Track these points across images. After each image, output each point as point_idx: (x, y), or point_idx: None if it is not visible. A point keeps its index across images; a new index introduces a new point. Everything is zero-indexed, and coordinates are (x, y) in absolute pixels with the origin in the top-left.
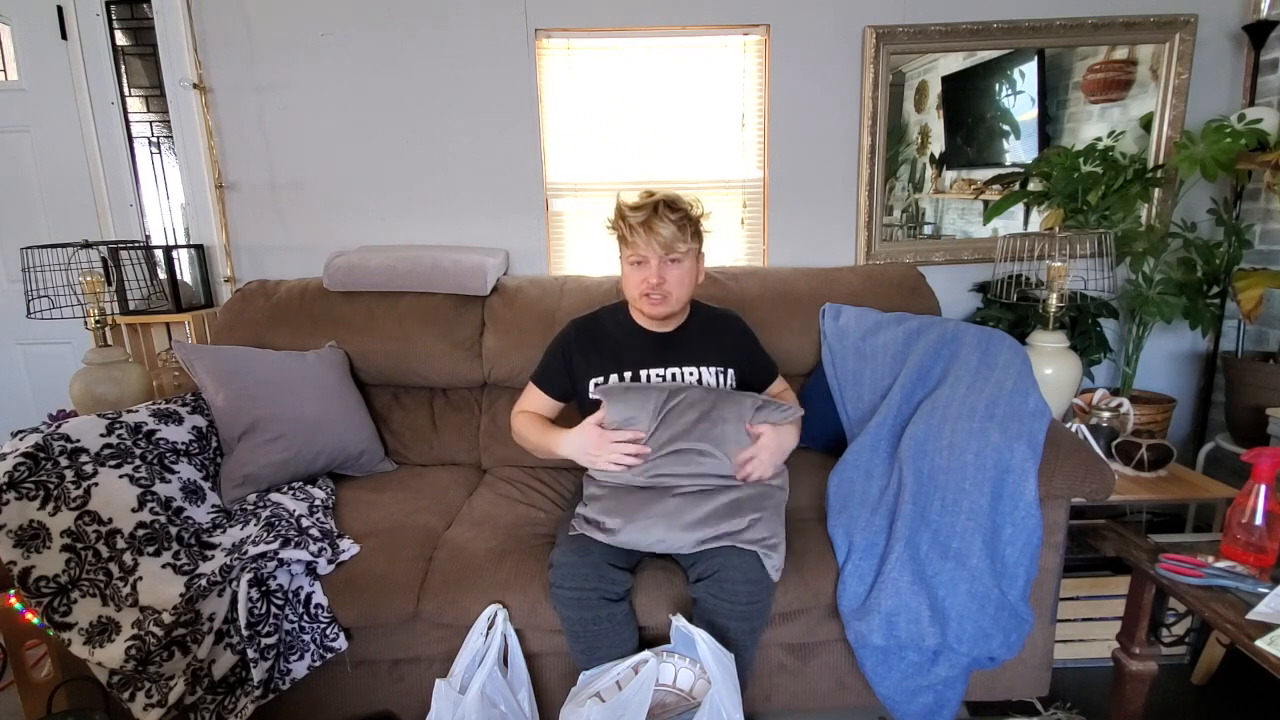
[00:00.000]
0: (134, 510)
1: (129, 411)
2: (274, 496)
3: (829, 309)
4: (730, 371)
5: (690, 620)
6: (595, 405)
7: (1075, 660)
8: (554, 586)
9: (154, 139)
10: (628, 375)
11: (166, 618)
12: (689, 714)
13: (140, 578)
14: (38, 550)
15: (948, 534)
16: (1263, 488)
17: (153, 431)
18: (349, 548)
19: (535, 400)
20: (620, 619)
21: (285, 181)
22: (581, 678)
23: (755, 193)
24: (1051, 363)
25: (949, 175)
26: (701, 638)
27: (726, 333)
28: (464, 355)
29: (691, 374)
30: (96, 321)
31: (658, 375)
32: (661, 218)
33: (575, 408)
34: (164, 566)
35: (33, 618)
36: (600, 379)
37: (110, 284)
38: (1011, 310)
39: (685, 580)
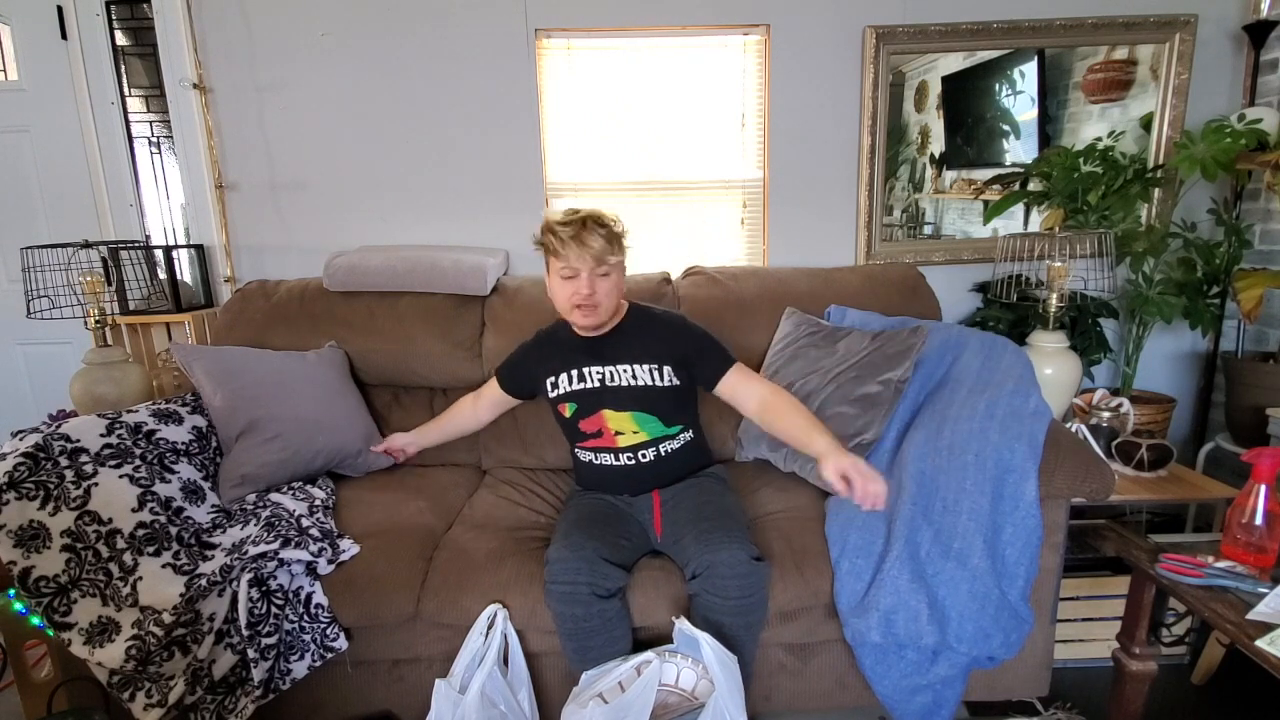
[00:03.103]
0: (134, 510)
1: (129, 411)
2: (274, 496)
3: (834, 310)
4: (666, 369)
5: (688, 618)
6: (558, 400)
7: (1075, 660)
8: (548, 583)
9: (154, 139)
10: (573, 373)
11: (166, 618)
12: (691, 715)
13: (140, 578)
14: (38, 550)
15: (949, 534)
16: (1263, 488)
17: (153, 431)
18: (349, 548)
19: (490, 388)
20: (612, 616)
21: (285, 181)
22: (584, 678)
23: (755, 193)
24: (1051, 363)
25: (949, 175)
26: (705, 640)
27: (660, 330)
28: (464, 355)
29: (625, 370)
30: (96, 321)
31: (595, 373)
32: (591, 231)
33: (541, 404)
34: (164, 566)
35: (33, 618)
36: (552, 378)
37: (110, 284)
38: (1011, 310)
39: (684, 579)
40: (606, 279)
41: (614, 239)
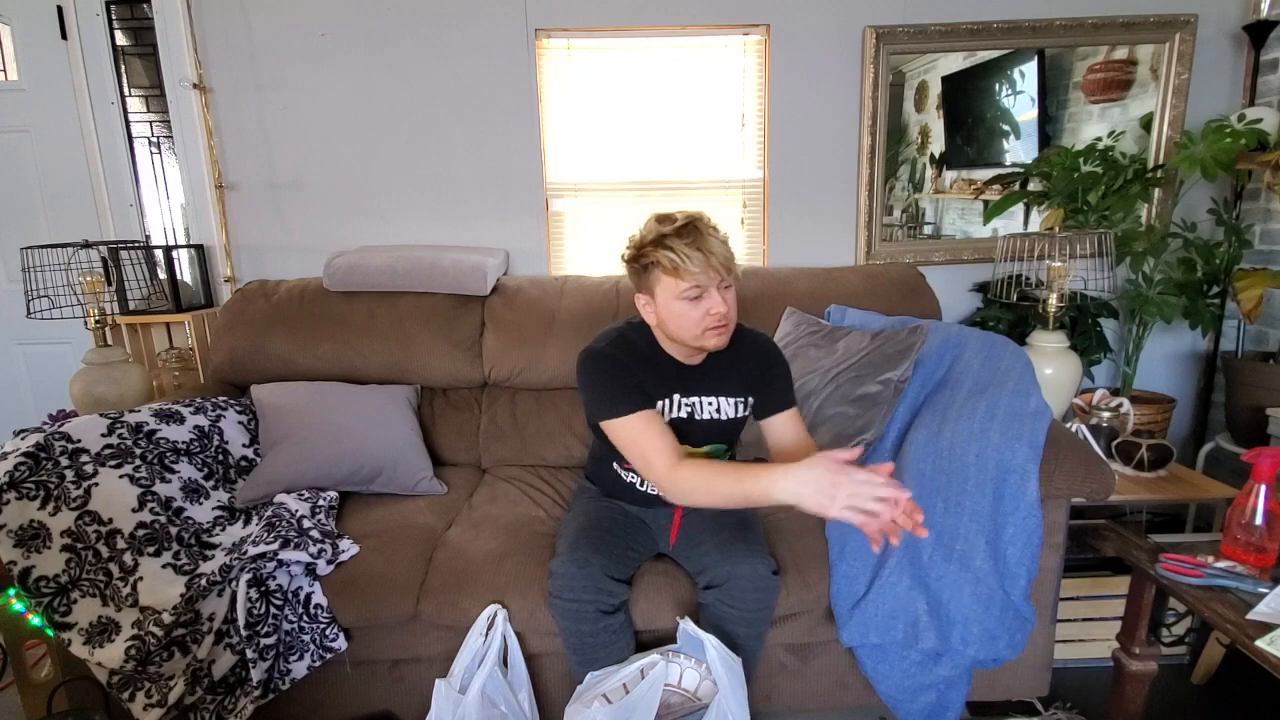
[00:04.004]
0: (134, 510)
1: (131, 411)
2: (279, 496)
3: (834, 310)
4: (750, 399)
5: (696, 623)
6: None
7: (1075, 660)
8: (552, 596)
9: (154, 139)
10: (660, 404)
11: (166, 618)
12: (694, 715)
13: (140, 578)
14: (38, 550)
15: (951, 536)
16: (1263, 488)
17: (153, 431)
18: (349, 548)
19: (652, 425)
20: (616, 629)
21: (285, 181)
22: (588, 678)
23: (755, 193)
24: (1051, 363)
25: (949, 175)
26: (710, 642)
27: (752, 359)
28: (464, 355)
29: (711, 404)
30: (96, 321)
31: (685, 405)
32: (708, 235)
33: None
34: (164, 567)
35: (33, 618)
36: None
37: (110, 284)
38: (1011, 310)
39: (687, 583)
40: (730, 290)
41: (727, 239)
